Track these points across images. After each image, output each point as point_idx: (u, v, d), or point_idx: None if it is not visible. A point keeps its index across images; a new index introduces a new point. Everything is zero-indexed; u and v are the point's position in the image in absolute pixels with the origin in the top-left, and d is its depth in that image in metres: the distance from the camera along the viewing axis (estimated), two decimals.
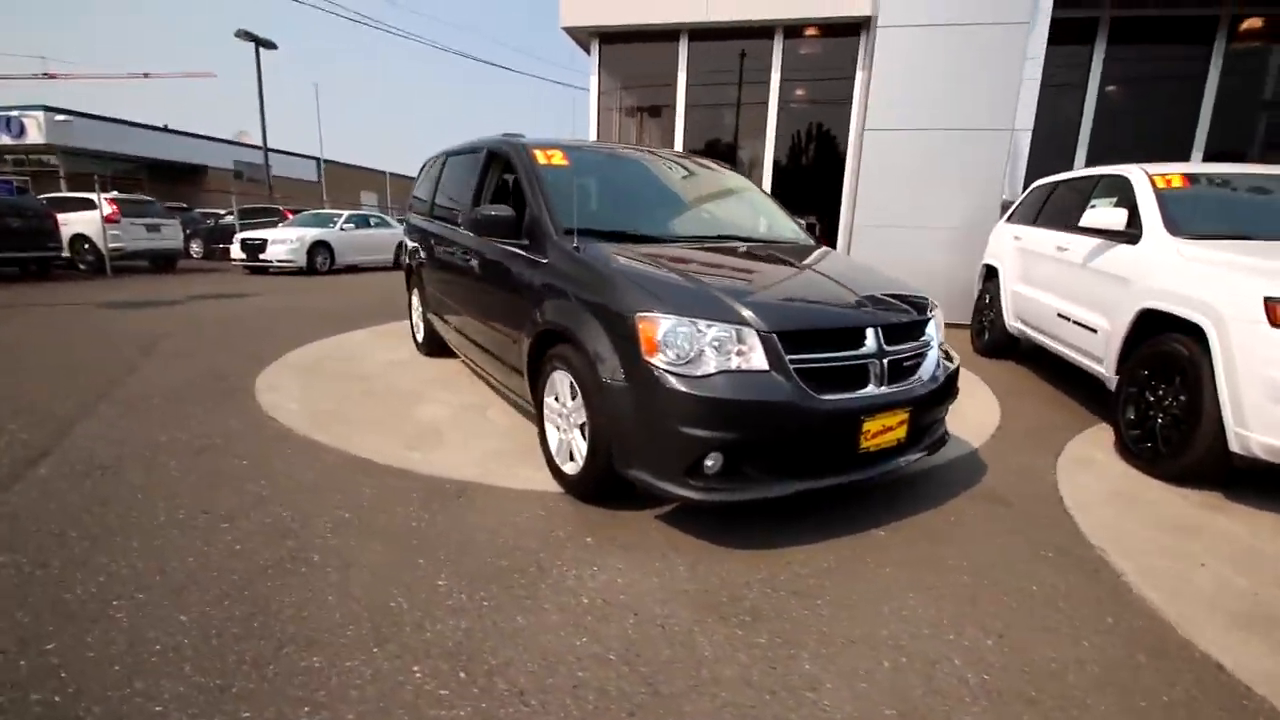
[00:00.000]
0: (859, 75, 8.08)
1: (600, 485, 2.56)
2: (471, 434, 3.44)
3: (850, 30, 7.99)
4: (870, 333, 2.38)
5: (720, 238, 3.27)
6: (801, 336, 2.26)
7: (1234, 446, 2.78)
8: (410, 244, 5.25)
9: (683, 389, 2.15)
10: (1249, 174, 4.04)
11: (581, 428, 2.60)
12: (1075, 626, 1.96)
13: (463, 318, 3.96)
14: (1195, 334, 3.00)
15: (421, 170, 5.44)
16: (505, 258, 3.18)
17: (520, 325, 3.04)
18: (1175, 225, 3.56)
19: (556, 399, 2.77)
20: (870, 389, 2.35)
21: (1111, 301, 3.73)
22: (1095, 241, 4.09)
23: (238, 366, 4.86)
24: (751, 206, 3.90)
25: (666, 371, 2.19)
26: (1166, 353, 3.17)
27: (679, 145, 8.70)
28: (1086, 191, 4.64)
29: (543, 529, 2.45)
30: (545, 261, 2.83)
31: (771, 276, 2.73)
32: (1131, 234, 3.74)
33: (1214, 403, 2.85)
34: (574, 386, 2.59)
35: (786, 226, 3.71)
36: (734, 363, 2.19)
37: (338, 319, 7.10)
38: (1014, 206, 5.99)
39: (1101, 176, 4.55)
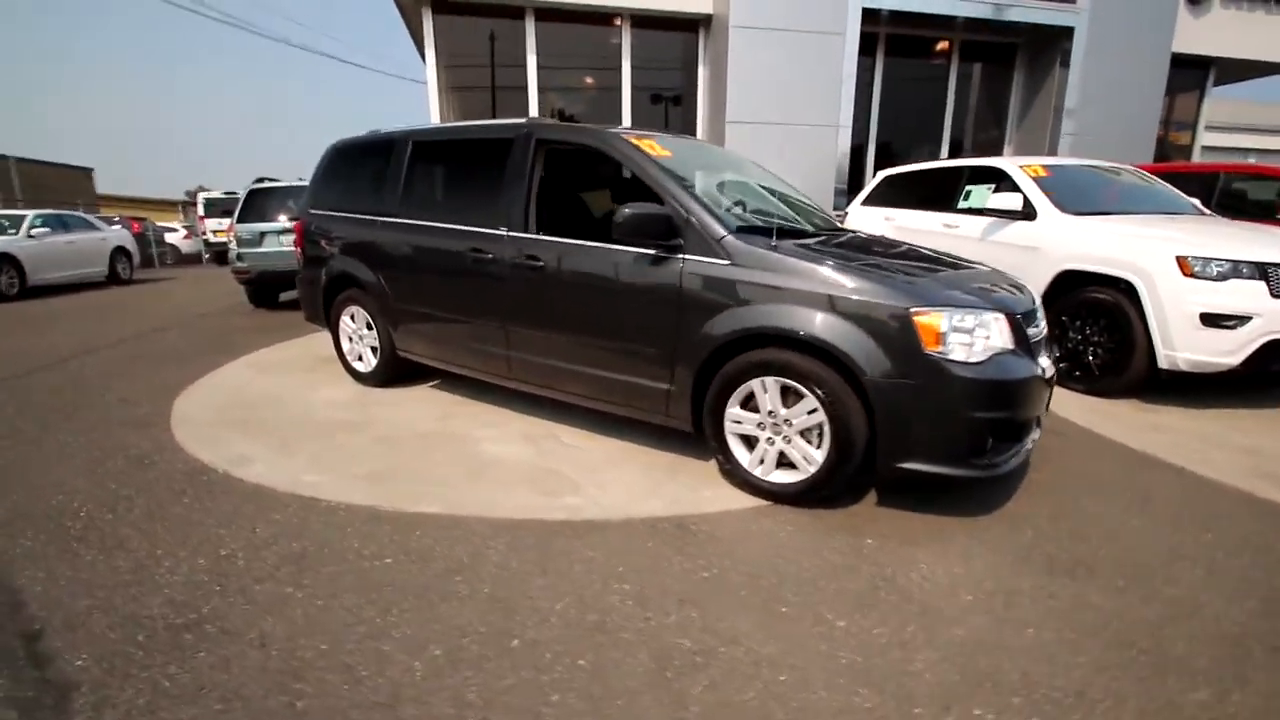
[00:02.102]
0: (700, 70, 8.63)
1: (837, 486, 2.54)
2: (587, 466, 3.02)
3: (691, 26, 8.45)
4: (1039, 313, 2.77)
5: (819, 225, 3.35)
6: (1020, 318, 2.54)
7: (1163, 364, 3.87)
8: (339, 253, 4.19)
9: (971, 376, 2.27)
10: (1087, 165, 5.47)
11: (806, 433, 2.53)
12: (1203, 509, 2.63)
13: (503, 332, 3.37)
14: (1118, 286, 4.06)
15: (337, 159, 4.36)
16: (633, 263, 2.84)
17: (661, 337, 2.78)
18: (1062, 205, 4.70)
19: (755, 410, 2.63)
20: (1045, 361, 2.74)
21: (1023, 266, 4.77)
22: (988, 221, 5.15)
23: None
24: (774, 188, 3.99)
25: (953, 362, 2.28)
26: (1093, 301, 4.22)
27: None
28: (957, 180, 5.76)
29: (814, 543, 2.35)
30: (726, 263, 2.63)
31: (936, 264, 2.90)
32: (1028, 213, 4.82)
33: (1144, 334, 3.92)
34: (792, 392, 2.51)
35: (819, 210, 3.91)
36: (996, 346, 2.37)
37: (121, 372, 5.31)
38: (866, 191, 7.10)
39: (970, 168, 5.70)
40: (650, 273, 2.79)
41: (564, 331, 3.12)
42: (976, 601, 2.01)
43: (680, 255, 2.72)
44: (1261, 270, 3.64)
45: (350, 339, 4.36)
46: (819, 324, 2.41)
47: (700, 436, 2.88)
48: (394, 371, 4.19)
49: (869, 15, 8.09)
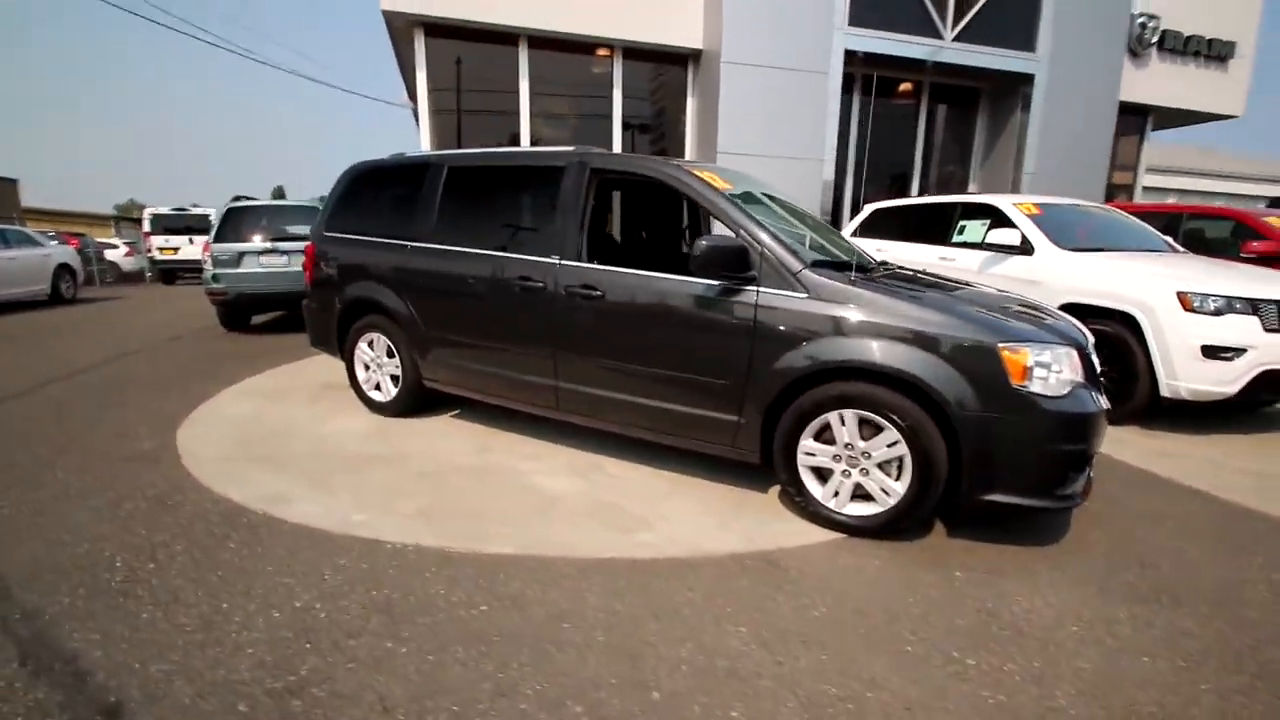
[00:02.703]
0: (689, 102, 8.81)
1: (917, 518, 2.56)
2: (645, 499, 2.96)
3: (681, 61, 8.64)
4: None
5: (868, 260, 3.41)
6: (1088, 352, 2.65)
7: (1165, 393, 4.10)
8: (359, 278, 4.02)
9: (1054, 409, 2.35)
10: (1073, 204, 5.80)
11: (885, 465, 2.56)
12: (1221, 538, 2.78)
13: (551, 363, 3.28)
14: (1119, 318, 4.30)
15: (356, 182, 4.21)
16: (703, 295, 2.82)
17: (731, 369, 2.77)
18: (1058, 241, 4.97)
19: (829, 442, 2.64)
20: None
21: None
22: (985, 255, 5.40)
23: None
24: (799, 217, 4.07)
25: (1040, 396, 2.35)
26: (1096, 332, 4.43)
27: None
28: (948, 215, 6.03)
29: (905, 577, 2.35)
30: (804, 296, 2.64)
31: (1005, 300, 2.97)
32: (1025, 249, 5.08)
33: (1147, 364, 4.15)
34: (868, 424, 2.53)
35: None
36: (1069, 380, 2.45)
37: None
38: (856, 223, 7.34)
39: (962, 204, 5.98)
40: (722, 305, 2.78)
41: (622, 362, 3.07)
42: (1082, 632, 2.04)
43: (754, 288, 2.73)
44: (1254, 305, 3.93)
45: (367, 367, 4.17)
46: (907, 358, 2.44)
47: (767, 469, 2.87)
48: (415, 401, 4.02)
49: (848, 56, 8.45)
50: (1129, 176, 11.49)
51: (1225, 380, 3.92)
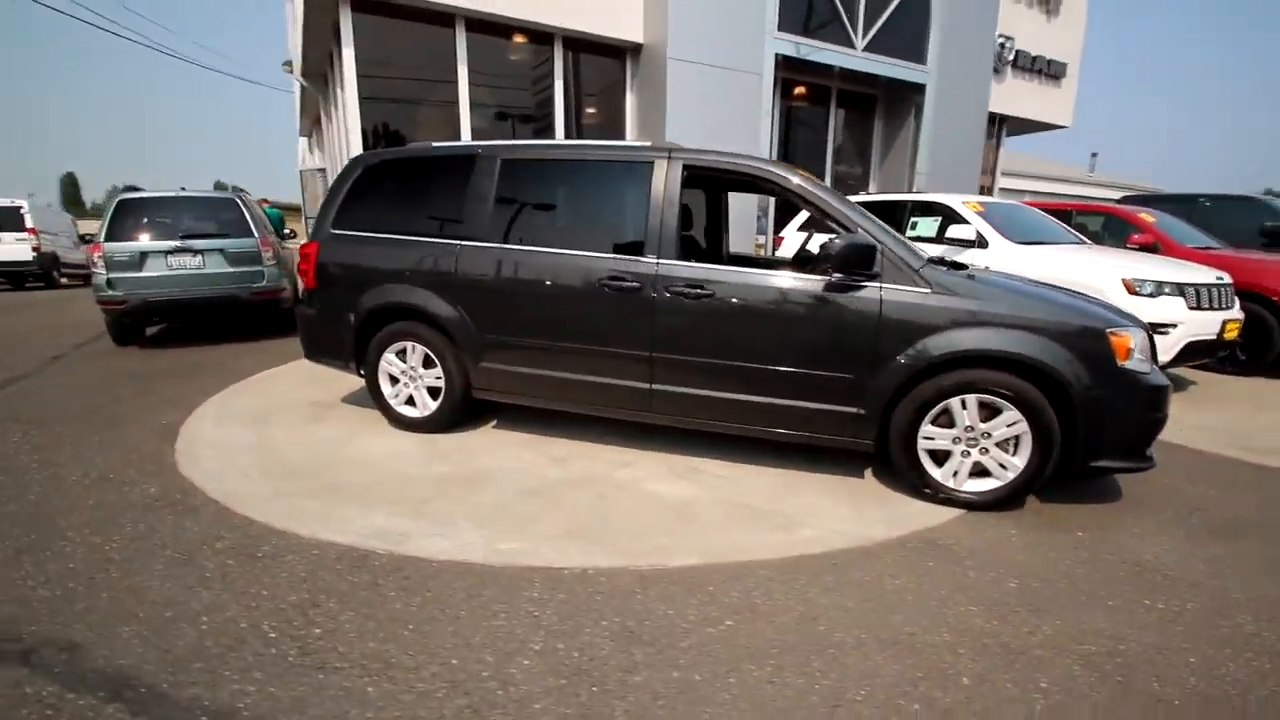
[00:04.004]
0: (629, 97, 8.78)
1: (1034, 489, 2.84)
2: (768, 495, 2.99)
3: (619, 54, 8.56)
4: None
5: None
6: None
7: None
8: (387, 282, 3.59)
9: (1154, 383, 2.72)
10: (1007, 203, 6.55)
11: (1003, 444, 2.81)
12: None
13: (647, 365, 3.19)
14: None
15: (371, 175, 3.75)
16: (825, 292, 2.90)
17: (854, 362, 2.89)
18: (1007, 236, 5.65)
19: (948, 426, 2.85)
20: None
21: None
22: (941, 249, 5.99)
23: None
24: None
25: (1141, 372, 2.71)
26: None
27: None
28: (897, 212, 6.60)
29: (1044, 543, 2.61)
30: (927, 291, 2.81)
31: (1074, 290, 3.33)
32: (981, 243, 5.72)
33: None
34: (985, 406, 2.77)
35: None
36: (1148, 357, 2.85)
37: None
38: (801, 219, 7.79)
39: (913, 203, 6.57)
40: (848, 302, 2.87)
41: (733, 361, 3.06)
42: (1209, 568, 2.41)
43: (877, 284, 2.85)
44: (1180, 289, 4.76)
45: (394, 380, 3.75)
46: (1031, 345, 2.69)
47: (883, 456, 3.02)
48: (457, 415, 3.70)
49: (775, 60, 8.89)
50: (989, 179, 13.22)
51: (1162, 351, 4.71)
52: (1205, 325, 4.75)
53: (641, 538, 2.56)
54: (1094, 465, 2.77)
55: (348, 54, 6.94)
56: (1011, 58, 11.75)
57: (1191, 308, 4.75)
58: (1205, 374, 5.73)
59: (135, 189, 6.33)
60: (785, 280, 2.98)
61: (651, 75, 8.34)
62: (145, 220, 6.04)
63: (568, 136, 8.43)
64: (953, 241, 5.80)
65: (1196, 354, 4.81)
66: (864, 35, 9.53)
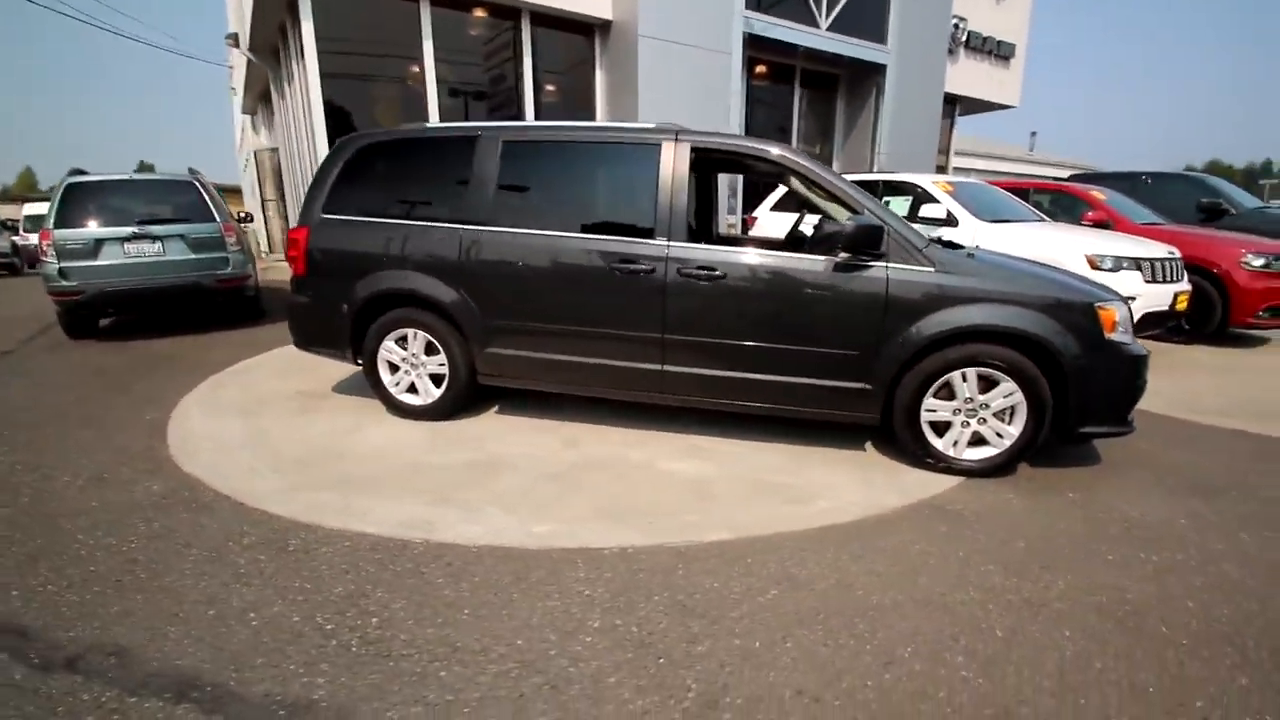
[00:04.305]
0: (598, 75, 8.67)
1: (1028, 454, 3.03)
2: (779, 469, 3.10)
3: (588, 31, 8.43)
4: None
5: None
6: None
7: None
8: (387, 267, 3.52)
9: (1135, 353, 2.93)
10: (972, 182, 6.80)
11: (1000, 414, 2.99)
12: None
13: (659, 347, 3.24)
14: None
15: (363, 157, 3.63)
16: (834, 271, 3.00)
17: (862, 340, 3.01)
18: (977, 214, 5.89)
19: (948, 398, 3.01)
20: None
21: None
22: (920, 227, 6.20)
23: None
24: None
25: (1124, 343, 2.91)
26: None
27: None
28: (872, 193, 6.77)
29: (1042, 506, 2.81)
30: (931, 270, 2.94)
31: (1059, 268, 3.50)
32: (951, 221, 5.94)
33: None
34: (983, 378, 2.94)
35: None
36: (1129, 328, 3.06)
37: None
38: (775, 198, 7.91)
39: (884, 182, 6.75)
40: (857, 281, 2.98)
41: (744, 341, 3.13)
42: (1190, 523, 2.63)
43: (883, 264, 2.96)
44: (1137, 263, 5.08)
45: (394, 368, 3.69)
46: (1029, 320, 2.86)
47: (885, 429, 3.16)
48: (461, 402, 3.68)
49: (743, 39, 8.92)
50: (944, 158, 13.64)
51: None
52: (1159, 297, 5.10)
53: (668, 515, 2.63)
54: (1082, 431, 2.98)
55: (307, 28, 6.62)
56: (964, 39, 12.09)
57: (1147, 281, 5.08)
58: (1154, 343, 6.13)
59: (81, 171, 5.93)
60: (795, 262, 3.07)
61: (621, 53, 8.26)
62: (97, 205, 5.68)
63: (536, 116, 8.29)
64: (925, 220, 6.02)
65: (1150, 324, 5.16)
66: (827, 14, 9.64)
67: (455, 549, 2.34)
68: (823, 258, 3.03)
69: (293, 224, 3.97)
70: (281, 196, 11.68)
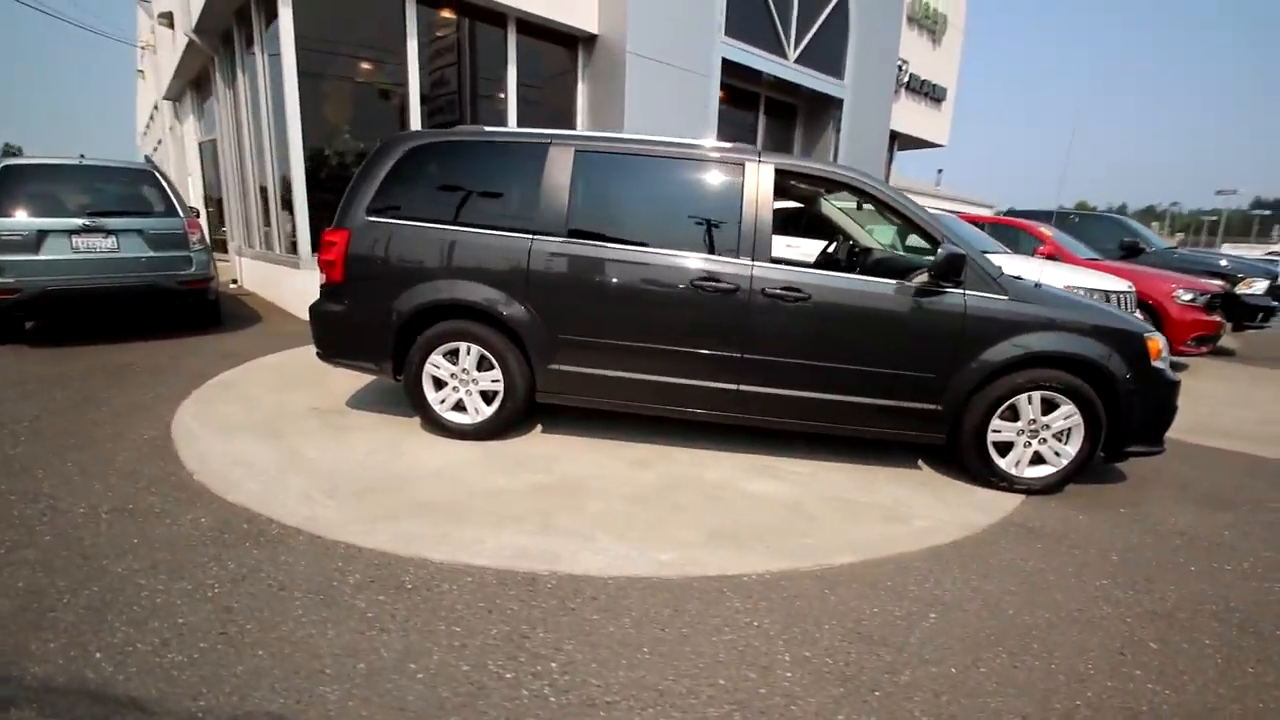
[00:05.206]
0: (580, 88, 8.59)
1: (1080, 473, 3.24)
2: (857, 489, 3.15)
3: (571, 43, 8.35)
4: None
5: None
6: None
7: None
8: (441, 276, 3.29)
9: (1172, 379, 3.21)
10: (944, 212, 7.22)
11: (1059, 434, 3.19)
12: None
13: (737, 365, 3.22)
14: None
15: (414, 158, 3.39)
16: (915, 296, 3.10)
17: (937, 362, 3.12)
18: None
19: (1013, 419, 3.17)
20: None
21: None
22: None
23: None
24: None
25: (1164, 370, 3.19)
26: None
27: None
28: None
29: (1100, 520, 3.01)
30: (1005, 298, 3.10)
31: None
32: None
33: None
34: (1051, 403, 3.14)
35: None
36: (1167, 357, 3.35)
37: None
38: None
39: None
40: (936, 305, 3.09)
41: (824, 362, 3.16)
42: (1232, 534, 2.90)
43: (961, 291, 3.10)
44: (1106, 296, 5.59)
45: (439, 384, 3.45)
46: (1091, 347, 3.07)
47: (952, 449, 3.28)
48: (514, 420, 3.48)
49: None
50: None
51: None
52: None
53: (780, 537, 2.60)
54: (1126, 450, 3.22)
55: (285, 14, 6.13)
56: (906, 80, 12.98)
57: None
58: None
59: (13, 151, 5.17)
60: (878, 286, 3.14)
61: (606, 68, 8.22)
62: (37, 192, 4.96)
63: (520, 123, 8.08)
64: (910, 250, 6.36)
65: None
66: (795, 46, 10.06)
67: (590, 581, 2.20)
68: (908, 283, 3.12)
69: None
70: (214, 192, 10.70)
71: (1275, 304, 8.14)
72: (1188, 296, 6.63)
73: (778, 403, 3.25)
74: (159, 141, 15.07)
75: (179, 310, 5.71)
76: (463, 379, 3.43)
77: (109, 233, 5.06)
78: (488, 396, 3.45)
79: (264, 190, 7.99)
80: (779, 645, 1.91)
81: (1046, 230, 7.89)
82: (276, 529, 2.44)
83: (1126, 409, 3.11)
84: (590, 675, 1.73)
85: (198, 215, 6.99)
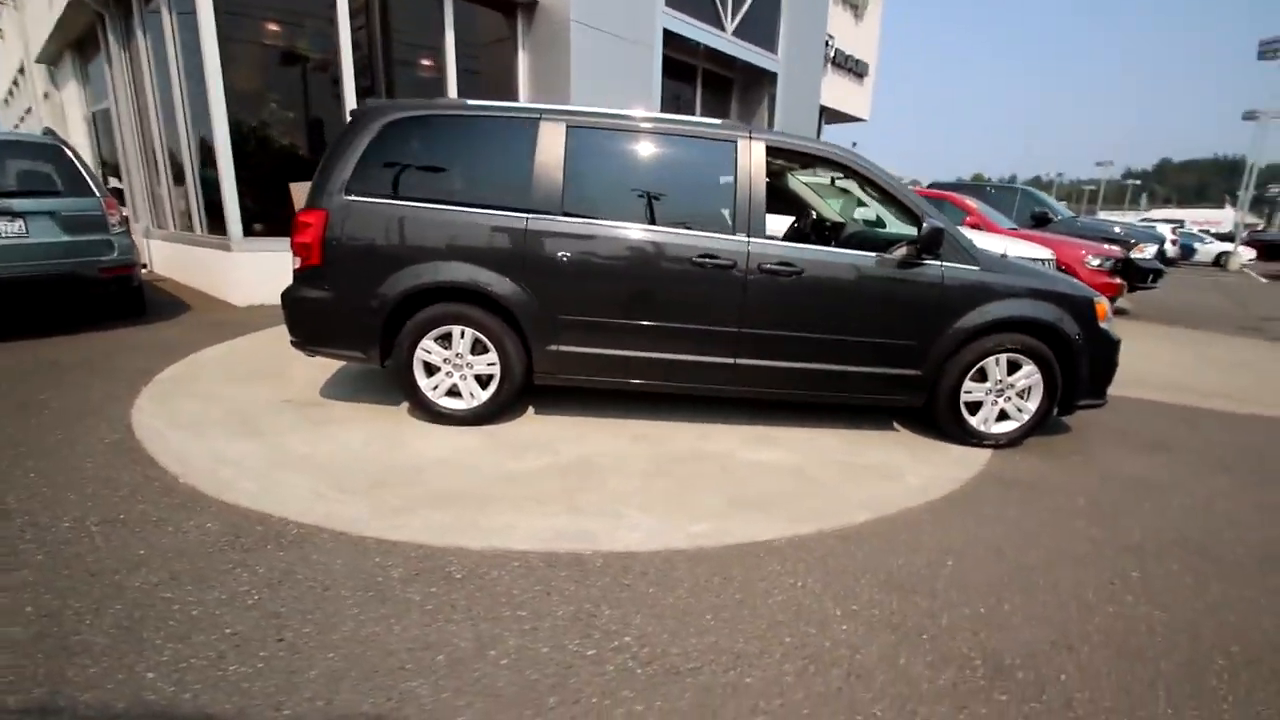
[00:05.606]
0: (521, 56, 8.31)
1: (1040, 428, 3.57)
2: (851, 453, 3.35)
3: (510, 9, 8.03)
4: None
5: None
6: None
7: None
8: (431, 258, 3.18)
9: (1115, 339, 3.58)
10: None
11: (1021, 392, 3.50)
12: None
13: (734, 340, 3.32)
14: None
15: (396, 132, 3.22)
16: (899, 268, 3.28)
17: (919, 330, 3.35)
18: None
19: (982, 380, 3.46)
20: None
21: None
22: None
23: None
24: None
25: (1110, 331, 3.55)
26: None
27: (350, 105, 6.73)
28: None
29: (1073, 471, 3.36)
30: (977, 269, 3.34)
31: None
32: (880, 223, 6.63)
33: None
34: (1014, 364, 3.44)
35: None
36: (1110, 318, 3.72)
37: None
38: None
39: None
40: (919, 276, 3.29)
41: (816, 334, 3.31)
42: (1170, 473, 3.31)
43: (939, 262, 3.31)
44: (1044, 263, 6.08)
45: (431, 370, 3.35)
46: (1052, 312, 3.37)
47: (929, 411, 3.54)
48: (508, 403, 3.44)
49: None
50: None
51: None
52: None
53: (795, 501, 2.74)
54: (1078, 404, 3.58)
55: None
56: (833, 55, 13.35)
57: None
58: None
59: None
60: (866, 260, 3.30)
61: (549, 36, 7.99)
62: None
63: (458, 93, 7.75)
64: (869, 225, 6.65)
65: None
66: (732, 18, 10.12)
67: (635, 557, 2.25)
68: (890, 256, 3.30)
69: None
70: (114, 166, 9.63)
71: (1163, 267, 9.12)
72: (1096, 262, 7.32)
73: (774, 374, 3.38)
74: (27, 110, 13.31)
75: (100, 300, 5.18)
76: (456, 364, 3.34)
77: (15, 215, 4.50)
78: (482, 380, 3.39)
79: (178, 164, 7.29)
80: (827, 602, 2.04)
81: (972, 202, 8.43)
82: (295, 529, 2.33)
83: (1079, 367, 3.45)
84: (667, 645, 1.80)
85: (119, 195, 6.34)
